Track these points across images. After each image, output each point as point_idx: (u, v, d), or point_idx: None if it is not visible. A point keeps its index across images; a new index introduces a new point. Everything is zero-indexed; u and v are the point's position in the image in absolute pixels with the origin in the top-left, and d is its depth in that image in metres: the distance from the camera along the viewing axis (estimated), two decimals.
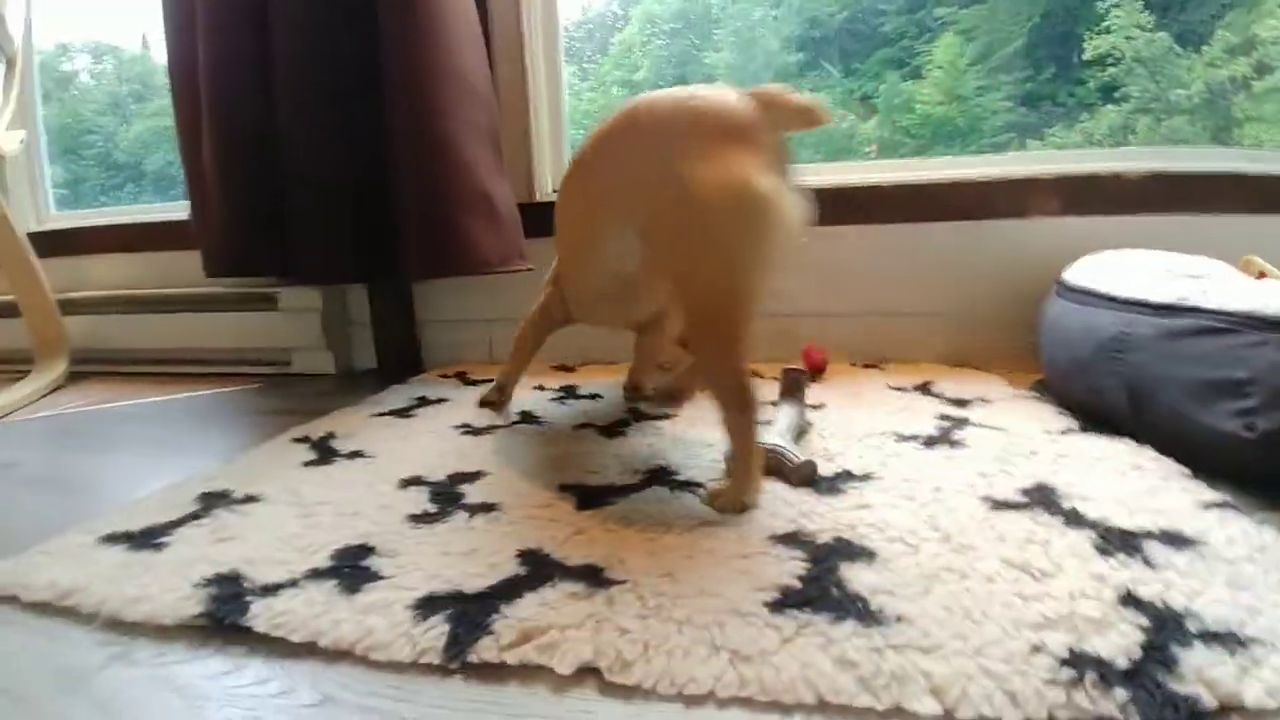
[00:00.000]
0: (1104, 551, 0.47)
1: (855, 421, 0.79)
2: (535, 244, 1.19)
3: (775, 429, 0.67)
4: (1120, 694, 0.33)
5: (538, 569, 0.48)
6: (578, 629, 0.40)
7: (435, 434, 0.81)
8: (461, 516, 0.57)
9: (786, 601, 0.42)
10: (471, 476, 0.66)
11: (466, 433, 0.81)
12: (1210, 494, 0.55)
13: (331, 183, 0.94)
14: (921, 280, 1.07)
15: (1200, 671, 0.34)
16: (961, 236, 1.06)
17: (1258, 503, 0.56)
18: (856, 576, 0.45)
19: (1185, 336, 0.64)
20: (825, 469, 0.64)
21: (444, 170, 0.89)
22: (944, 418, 0.79)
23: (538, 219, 1.19)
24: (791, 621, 0.40)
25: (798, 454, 0.62)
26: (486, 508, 0.59)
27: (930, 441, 0.71)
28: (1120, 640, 0.37)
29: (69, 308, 1.27)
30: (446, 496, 0.62)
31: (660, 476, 0.64)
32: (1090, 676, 0.34)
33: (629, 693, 0.36)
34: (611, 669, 0.37)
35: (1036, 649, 0.36)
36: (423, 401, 0.96)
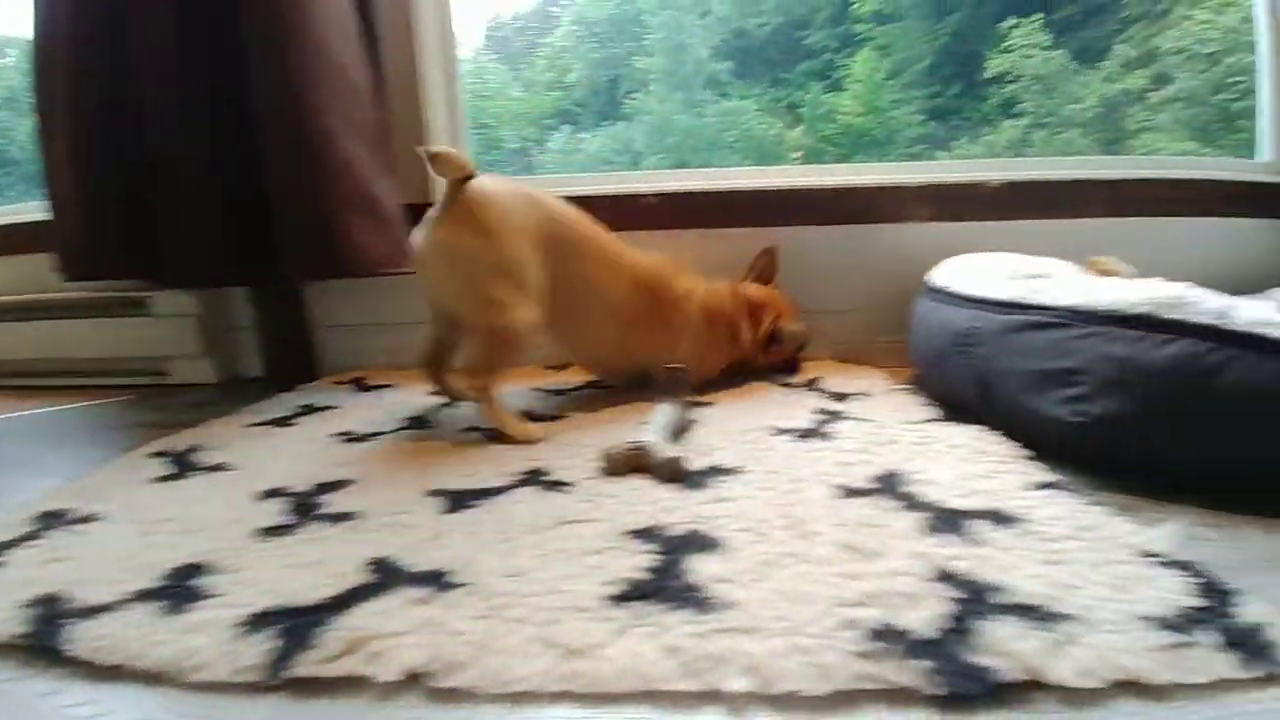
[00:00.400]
0: (933, 530, 0.50)
1: (739, 417, 0.81)
2: None
3: (650, 426, 0.68)
4: (922, 664, 0.35)
5: (385, 577, 0.46)
6: (411, 635, 0.39)
7: (312, 443, 0.78)
8: (316, 527, 0.55)
9: (630, 594, 0.42)
10: (338, 485, 0.64)
11: (347, 440, 0.78)
12: (1044, 476, 0.60)
13: (201, 180, 0.88)
14: (817, 280, 1.12)
15: (1003, 643, 0.36)
16: (851, 240, 1.11)
17: (1093, 483, 0.61)
18: (701, 567, 0.46)
19: (1022, 331, 0.69)
20: (697, 463, 0.66)
21: (320, 168, 0.85)
22: (822, 411, 0.82)
23: None
24: (629, 614, 0.40)
25: (666, 450, 0.63)
26: (345, 517, 0.57)
27: (804, 434, 0.74)
28: (929, 613, 0.39)
29: None
30: (305, 507, 0.59)
31: (535, 478, 0.64)
32: (897, 648, 0.36)
33: (457, 696, 0.36)
34: (439, 673, 0.36)
35: (850, 624, 0.38)
36: (307, 410, 0.92)
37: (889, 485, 0.58)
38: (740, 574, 0.45)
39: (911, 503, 0.55)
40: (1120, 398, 0.59)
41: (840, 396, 0.89)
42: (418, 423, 0.84)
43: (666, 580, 0.44)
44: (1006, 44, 3.95)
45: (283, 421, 0.86)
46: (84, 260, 0.93)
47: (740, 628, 0.38)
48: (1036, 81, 3.77)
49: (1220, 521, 0.54)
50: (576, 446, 0.71)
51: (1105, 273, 0.91)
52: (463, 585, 0.44)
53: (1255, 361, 0.55)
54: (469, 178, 0.74)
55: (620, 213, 1.12)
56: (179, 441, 0.78)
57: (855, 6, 4.20)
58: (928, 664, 0.35)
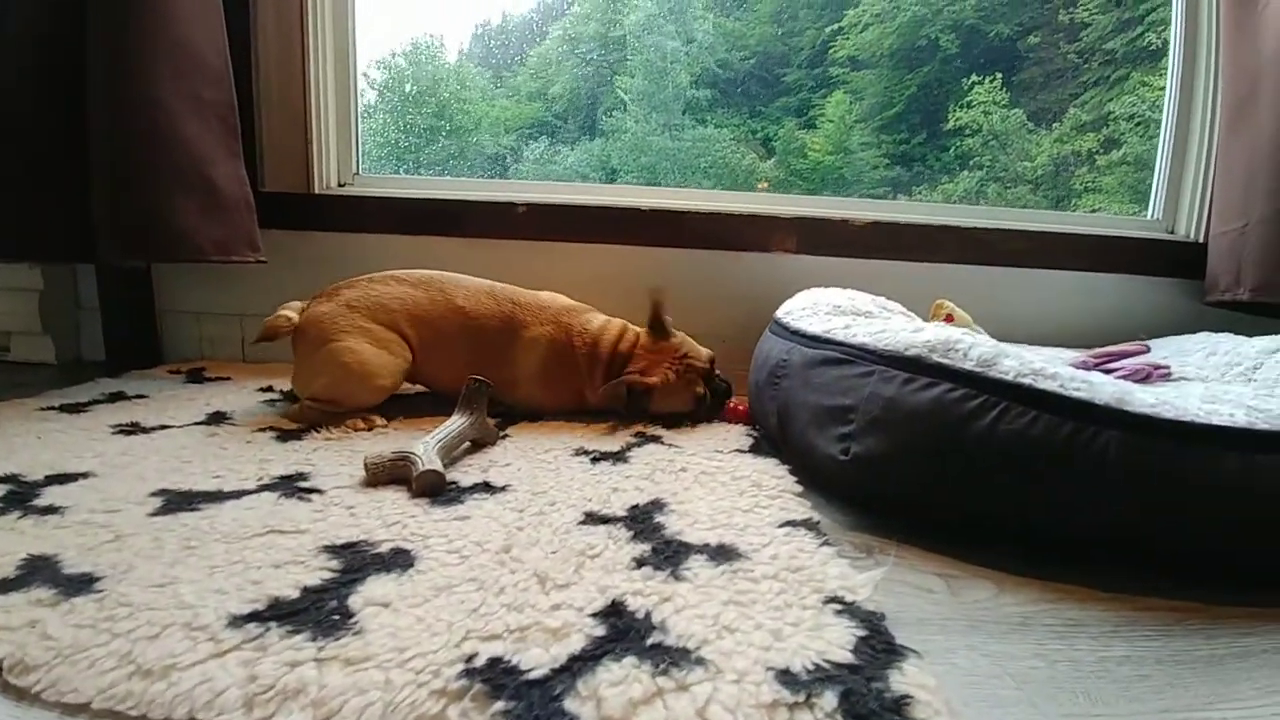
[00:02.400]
0: (644, 564, 0.47)
1: (554, 437, 0.79)
2: (311, 236, 1.14)
3: (429, 436, 0.65)
4: (506, 705, 0.32)
5: (31, 574, 0.43)
6: (6, 631, 0.37)
7: (87, 431, 0.73)
8: (9, 519, 0.51)
9: (262, 614, 0.39)
10: (72, 478, 0.60)
11: (126, 432, 0.74)
12: (800, 513, 0.58)
13: (30, 146, 0.84)
14: (682, 304, 1.10)
15: (600, 688, 0.34)
16: (716, 267, 1.10)
17: (857, 523, 0.60)
18: (371, 588, 0.43)
19: (818, 366, 0.68)
20: (469, 478, 0.63)
21: (150, 143, 0.82)
22: (639, 435, 0.80)
23: (316, 211, 1.15)
24: (239, 635, 0.37)
25: (430, 463, 0.60)
26: (52, 510, 0.53)
27: (602, 458, 0.71)
28: (558, 651, 0.37)
29: None
30: (21, 496, 0.55)
31: (286, 483, 0.60)
32: (487, 688, 0.33)
33: (21, 694, 0.34)
34: (13, 670, 0.35)
35: (464, 659, 0.36)
36: (114, 397, 0.87)
37: (640, 514, 0.56)
38: (404, 598, 0.42)
39: (646, 534, 0.52)
40: (881, 437, 0.58)
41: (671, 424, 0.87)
42: (216, 418, 0.80)
43: (319, 601, 0.41)
44: (968, 99, 4.09)
45: (76, 408, 0.81)
46: None
47: (346, 657, 0.36)
48: (994, 138, 3.90)
49: (955, 572, 0.52)
50: (346, 453, 0.68)
51: (947, 318, 0.91)
52: (100, 592, 0.41)
53: (1011, 412, 0.54)
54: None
55: (493, 218, 1.11)
56: None
57: (833, 51, 4.31)
58: (509, 705, 0.32)
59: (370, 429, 0.78)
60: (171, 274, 1.10)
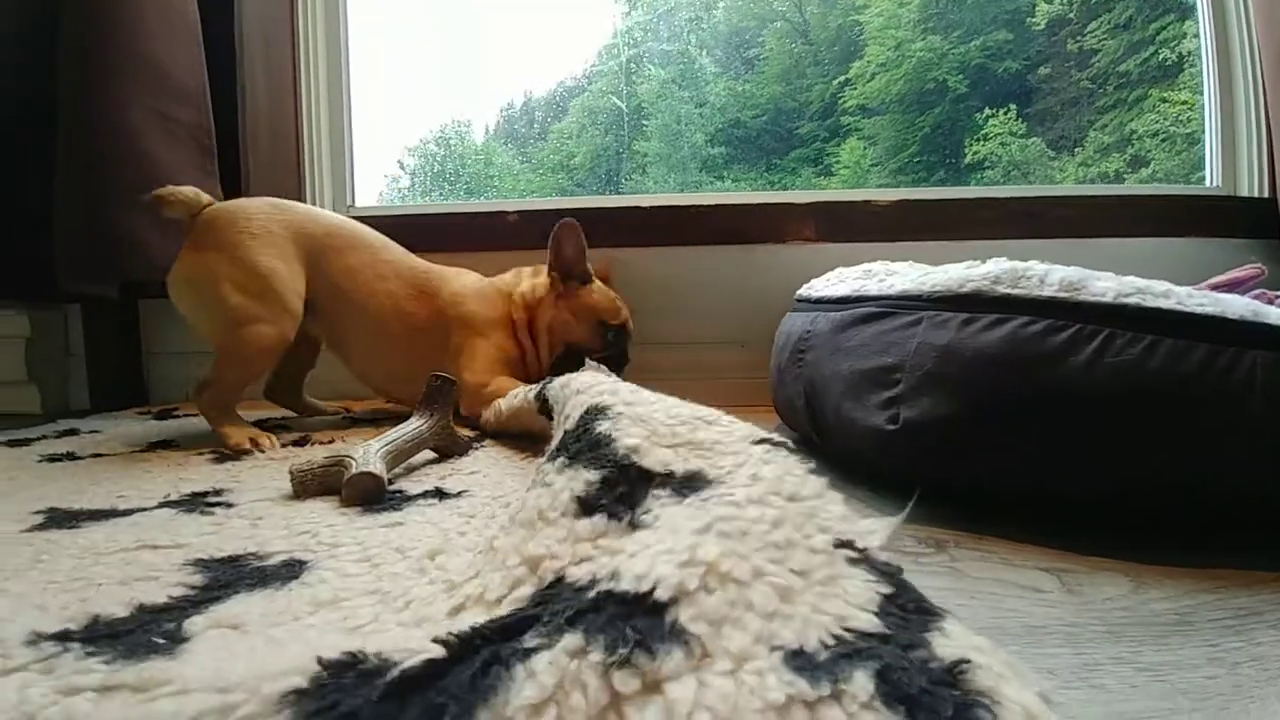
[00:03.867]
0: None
1: (538, 445, 0.66)
2: None
3: (374, 440, 0.54)
4: None
5: None
6: None
7: (14, 460, 0.65)
8: None
9: (75, 634, 0.28)
10: None
11: (50, 460, 0.65)
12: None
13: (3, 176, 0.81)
14: (688, 308, 0.99)
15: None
16: (725, 262, 0.99)
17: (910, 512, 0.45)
18: (231, 607, 0.31)
19: (850, 327, 0.55)
20: (419, 486, 0.51)
21: (112, 160, 0.78)
22: None
23: None
24: (35, 654, 0.26)
25: (366, 467, 0.49)
26: None
27: None
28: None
29: None
30: None
31: (196, 499, 0.50)
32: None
33: None
34: None
35: (295, 689, 0.23)
36: (66, 433, 0.80)
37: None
38: (265, 616, 0.30)
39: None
40: (938, 395, 0.44)
41: None
42: (157, 445, 0.71)
43: (152, 621, 0.29)
44: (983, 131, 4.05)
45: (20, 442, 0.74)
46: None
47: (139, 685, 0.23)
48: (1015, 167, 3.82)
49: (1068, 565, 0.37)
50: (264, 476, 0.57)
51: None
52: None
53: (1117, 341, 0.40)
54: (205, 208, 0.72)
55: (482, 230, 1.03)
56: None
57: (843, 101, 4.39)
58: None
59: (255, 449, 0.66)
60: (159, 314, 1.05)
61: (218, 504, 0.48)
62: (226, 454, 0.65)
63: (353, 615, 0.30)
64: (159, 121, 0.82)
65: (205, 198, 0.72)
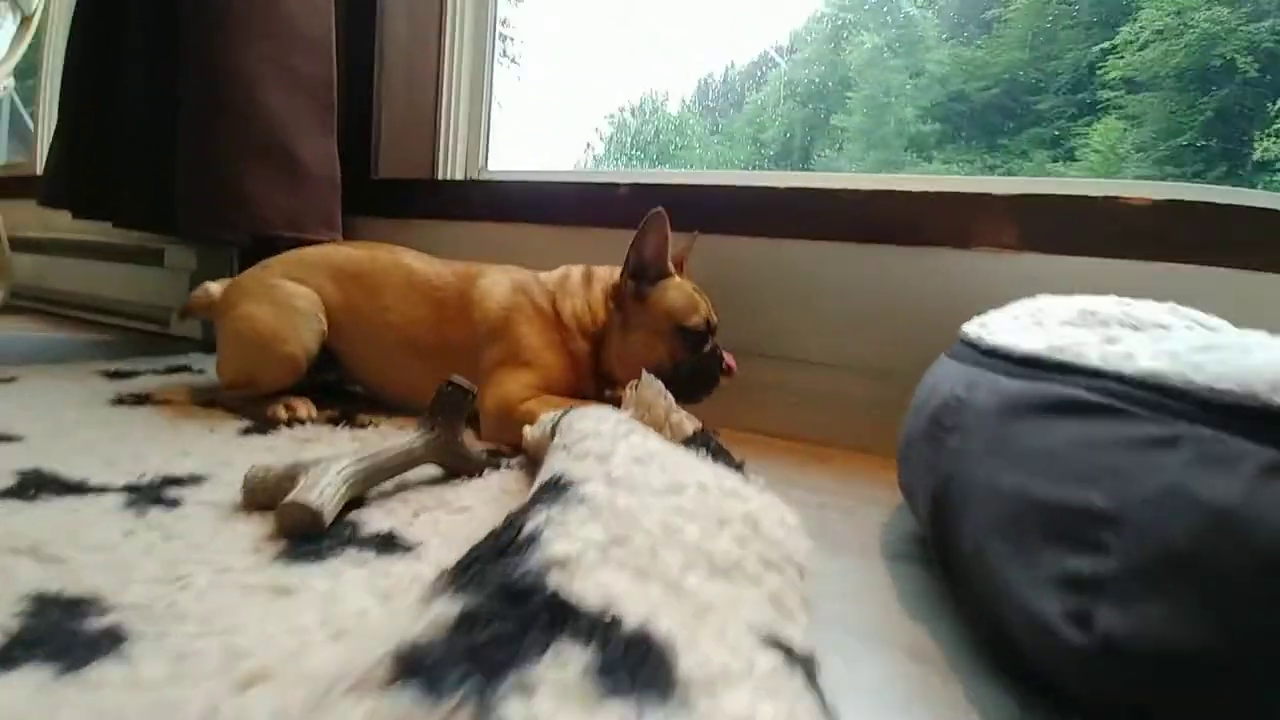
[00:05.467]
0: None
1: None
2: (427, 225, 1.05)
3: (353, 453, 0.44)
4: None
5: None
6: None
7: (83, 399, 0.66)
8: None
9: None
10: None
11: (118, 403, 0.66)
12: None
13: (144, 119, 0.85)
14: (810, 321, 0.77)
15: None
16: (876, 267, 0.74)
17: None
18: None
19: (1033, 413, 0.32)
20: (378, 522, 0.41)
21: (229, 109, 0.77)
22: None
23: (435, 197, 1.07)
24: None
25: (311, 490, 0.39)
26: None
27: None
28: None
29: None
30: None
31: (156, 488, 0.44)
32: None
33: None
34: None
35: None
36: (173, 369, 0.84)
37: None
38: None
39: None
40: (1177, 605, 0.22)
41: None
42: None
43: None
44: (1276, 126, 3.14)
45: (119, 374, 0.77)
46: (53, 191, 0.95)
47: None
48: None
49: None
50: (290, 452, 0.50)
51: None
52: None
53: None
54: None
55: (592, 203, 0.90)
56: None
57: (1102, 72, 3.61)
58: None
59: (290, 419, 0.61)
60: None
61: (172, 500, 0.42)
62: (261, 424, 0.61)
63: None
64: (279, 71, 0.81)
65: (218, 288, 0.71)
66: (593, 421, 0.39)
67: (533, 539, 0.26)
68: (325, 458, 0.42)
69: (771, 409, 0.78)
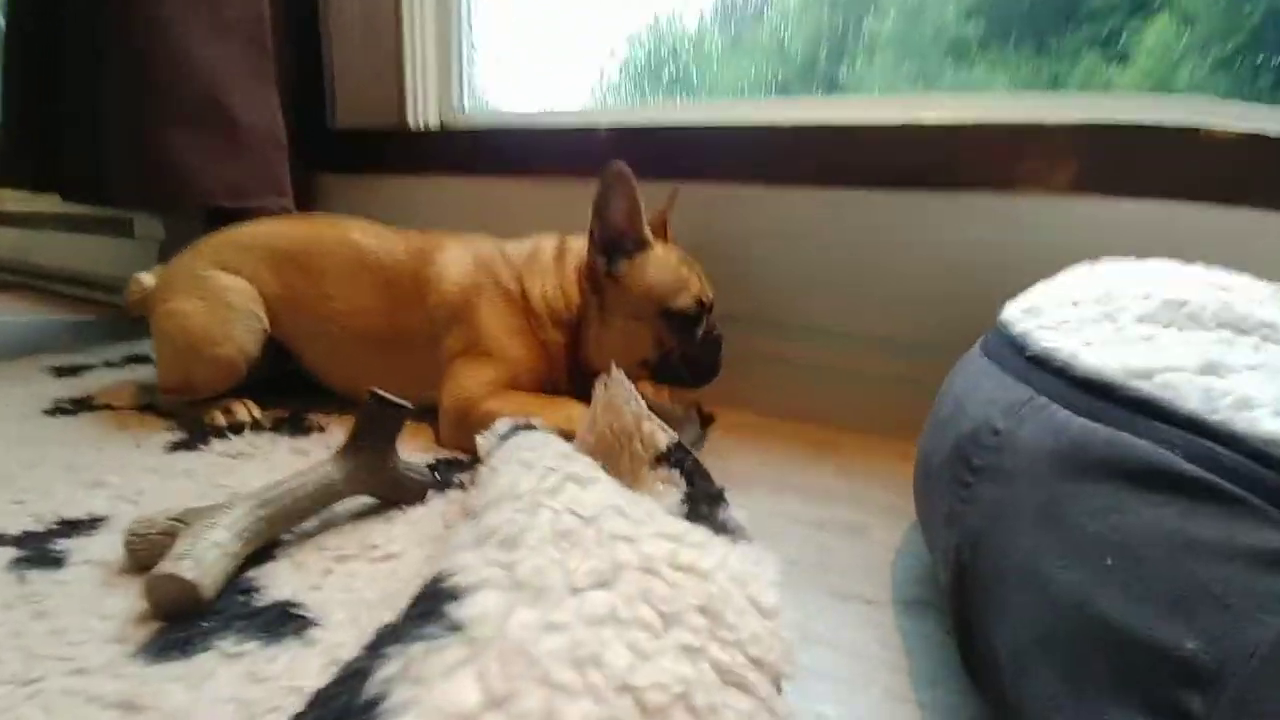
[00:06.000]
0: None
1: None
2: (405, 181, 0.96)
3: (248, 497, 0.37)
4: None
5: None
6: None
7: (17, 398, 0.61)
8: None
9: None
10: None
11: (57, 413, 0.60)
12: None
13: (82, 83, 0.76)
14: (822, 285, 0.67)
15: None
16: (901, 216, 0.63)
17: None
18: None
19: (1107, 478, 0.23)
20: (279, 589, 0.34)
21: (150, 64, 0.67)
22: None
23: (406, 148, 0.96)
24: None
25: (186, 558, 0.32)
26: None
27: None
28: None
29: None
30: None
31: (45, 539, 0.38)
32: None
33: None
34: None
35: None
36: (130, 360, 0.77)
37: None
38: None
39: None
40: None
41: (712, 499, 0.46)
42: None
43: None
44: None
45: (70, 369, 0.72)
46: (4, 165, 0.87)
47: None
48: None
49: None
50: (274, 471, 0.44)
51: None
52: None
53: None
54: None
55: (570, 150, 0.79)
56: None
57: None
58: None
59: (230, 424, 0.55)
60: None
61: (56, 557, 0.36)
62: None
63: None
64: (202, 15, 0.69)
65: (147, 283, 0.63)
66: (517, 468, 0.31)
67: (373, 706, 0.19)
68: (220, 504, 0.36)
69: (772, 386, 0.69)
